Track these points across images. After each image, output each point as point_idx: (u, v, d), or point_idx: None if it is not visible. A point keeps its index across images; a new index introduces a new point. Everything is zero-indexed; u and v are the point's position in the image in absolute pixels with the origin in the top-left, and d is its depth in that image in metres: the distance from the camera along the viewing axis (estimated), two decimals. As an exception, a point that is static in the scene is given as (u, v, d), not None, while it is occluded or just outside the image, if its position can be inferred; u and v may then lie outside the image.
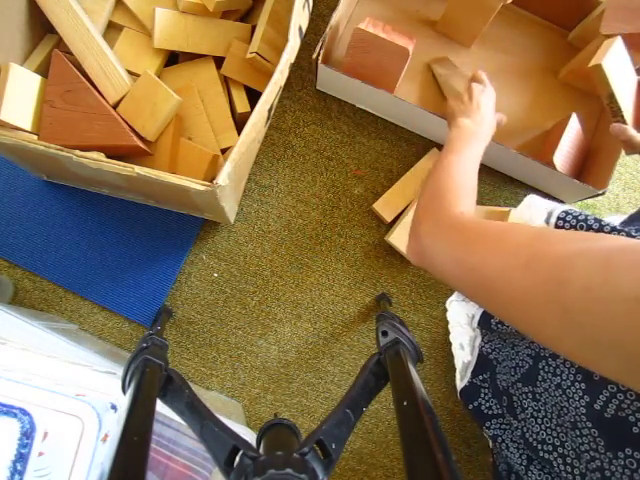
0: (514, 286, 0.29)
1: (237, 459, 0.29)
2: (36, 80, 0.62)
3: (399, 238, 0.75)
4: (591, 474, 0.42)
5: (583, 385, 0.43)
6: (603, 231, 0.44)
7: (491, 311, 0.33)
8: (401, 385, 0.35)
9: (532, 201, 0.54)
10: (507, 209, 0.66)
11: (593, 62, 0.65)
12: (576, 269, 0.25)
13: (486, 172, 0.82)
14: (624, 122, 0.67)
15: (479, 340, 0.62)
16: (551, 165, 0.72)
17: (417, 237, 0.42)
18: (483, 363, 0.62)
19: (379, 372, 0.40)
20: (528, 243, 0.30)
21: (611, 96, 0.67)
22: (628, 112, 0.67)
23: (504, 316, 0.31)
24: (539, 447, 0.49)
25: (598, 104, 0.83)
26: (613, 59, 0.65)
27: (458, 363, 0.65)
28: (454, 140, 0.52)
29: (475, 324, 0.61)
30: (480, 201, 0.82)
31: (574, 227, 0.46)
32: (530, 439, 0.51)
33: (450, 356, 0.78)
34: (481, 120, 0.55)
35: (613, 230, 0.44)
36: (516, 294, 0.29)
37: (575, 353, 0.26)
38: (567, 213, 0.48)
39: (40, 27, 0.66)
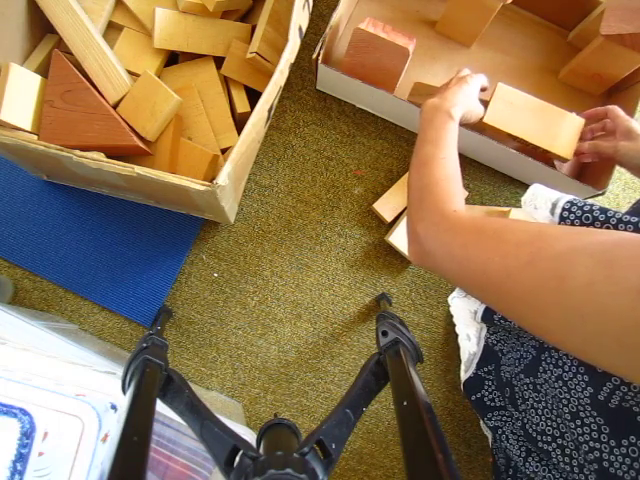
0: (517, 285, 0.29)
1: (237, 459, 0.29)
2: (36, 80, 0.62)
3: (399, 238, 0.75)
4: (589, 465, 0.42)
5: (586, 377, 0.43)
6: (609, 222, 0.43)
7: (495, 309, 0.33)
8: (401, 385, 0.35)
9: (536, 190, 0.53)
10: (507, 209, 0.66)
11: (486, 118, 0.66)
12: (577, 265, 0.25)
13: (486, 172, 0.82)
14: (544, 151, 0.69)
15: (485, 331, 0.63)
16: (551, 165, 0.72)
17: (416, 239, 0.41)
18: (488, 354, 0.62)
19: (379, 372, 0.40)
20: (528, 242, 0.30)
21: (518, 139, 0.68)
22: (545, 141, 0.68)
23: (508, 314, 0.31)
24: (538, 438, 0.49)
25: (598, 104, 0.83)
26: (496, 108, 0.66)
27: (464, 354, 0.65)
28: (422, 123, 0.51)
29: (479, 319, 0.61)
30: (480, 201, 0.82)
31: (579, 218, 0.45)
32: (530, 430, 0.51)
33: (450, 356, 0.78)
34: (446, 94, 0.53)
35: (619, 222, 0.43)
36: (519, 293, 0.29)
37: (578, 349, 0.26)
38: (572, 204, 0.47)
39: (40, 27, 0.66)
